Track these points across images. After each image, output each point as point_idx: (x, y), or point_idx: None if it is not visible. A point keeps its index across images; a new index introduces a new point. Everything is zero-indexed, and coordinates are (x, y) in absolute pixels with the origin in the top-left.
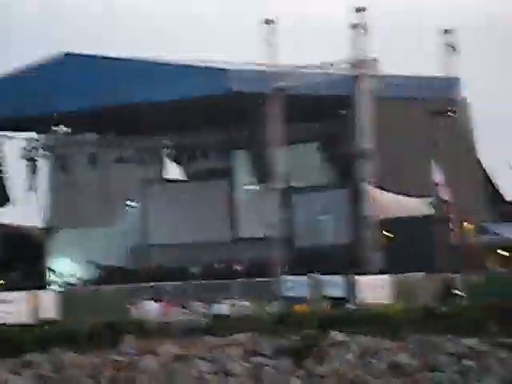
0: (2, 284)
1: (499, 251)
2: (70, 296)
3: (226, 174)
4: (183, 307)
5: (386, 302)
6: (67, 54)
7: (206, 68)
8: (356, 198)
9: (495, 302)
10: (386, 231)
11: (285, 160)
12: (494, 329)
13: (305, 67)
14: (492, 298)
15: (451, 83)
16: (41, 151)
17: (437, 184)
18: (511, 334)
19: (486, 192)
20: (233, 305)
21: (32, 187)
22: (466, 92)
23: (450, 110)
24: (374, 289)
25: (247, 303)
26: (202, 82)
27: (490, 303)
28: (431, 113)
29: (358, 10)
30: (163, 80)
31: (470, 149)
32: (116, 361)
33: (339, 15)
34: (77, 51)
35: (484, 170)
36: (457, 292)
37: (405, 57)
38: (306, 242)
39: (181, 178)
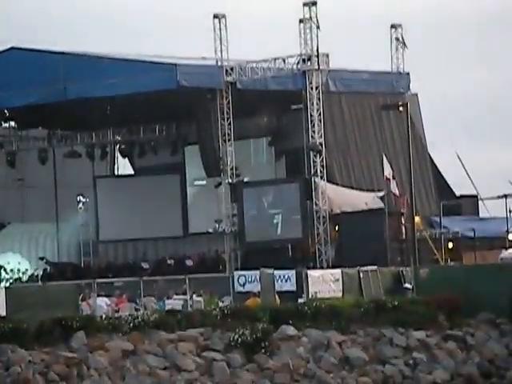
0: None
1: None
2: (18, 292)
3: (176, 169)
4: (134, 303)
5: (337, 296)
6: (13, 48)
7: (155, 63)
8: (307, 192)
9: (444, 295)
10: (337, 225)
11: (235, 155)
12: (442, 321)
13: (255, 62)
14: (441, 291)
15: (401, 78)
16: None
17: (387, 178)
18: (459, 326)
19: (436, 186)
20: (184, 300)
21: None
22: (416, 86)
23: (399, 105)
24: (325, 283)
25: (199, 298)
26: (151, 77)
27: (439, 296)
28: (381, 107)
29: (307, 4)
30: (112, 75)
31: (420, 143)
32: (66, 357)
33: (290, 9)
34: (23, 45)
35: (434, 164)
36: (406, 285)
37: (355, 51)
38: (257, 237)
39: (131, 173)
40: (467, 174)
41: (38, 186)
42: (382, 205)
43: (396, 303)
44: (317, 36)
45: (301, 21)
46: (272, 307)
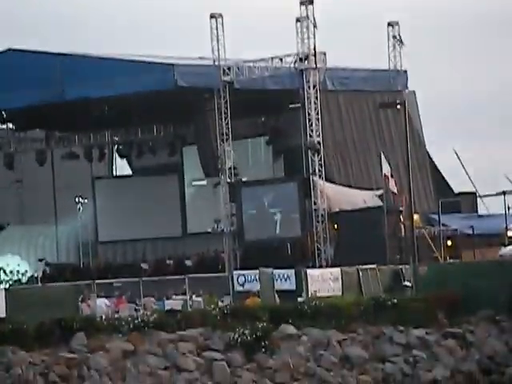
0: None
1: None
2: (18, 293)
3: (174, 170)
4: (134, 303)
5: (336, 295)
6: (11, 50)
7: (152, 63)
8: (305, 191)
9: (443, 292)
10: (336, 224)
11: (233, 154)
12: (442, 319)
13: (252, 61)
14: (440, 288)
15: (398, 75)
16: None
17: (385, 176)
18: (459, 323)
19: (434, 183)
20: (184, 300)
21: None
22: (414, 83)
23: (397, 103)
24: (325, 281)
25: (198, 298)
26: (149, 77)
27: (439, 294)
28: (379, 105)
29: (304, 3)
30: (110, 76)
31: (418, 141)
32: (67, 358)
33: (287, 8)
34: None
35: (432, 162)
36: (406, 283)
37: (352, 49)
38: (256, 236)
39: (130, 173)
40: (465, 171)
41: (37, 187)
42: (380, 203)
43: (395, 301)
44: (314, 34)
45: (298, 19)
46: (272, 306)
